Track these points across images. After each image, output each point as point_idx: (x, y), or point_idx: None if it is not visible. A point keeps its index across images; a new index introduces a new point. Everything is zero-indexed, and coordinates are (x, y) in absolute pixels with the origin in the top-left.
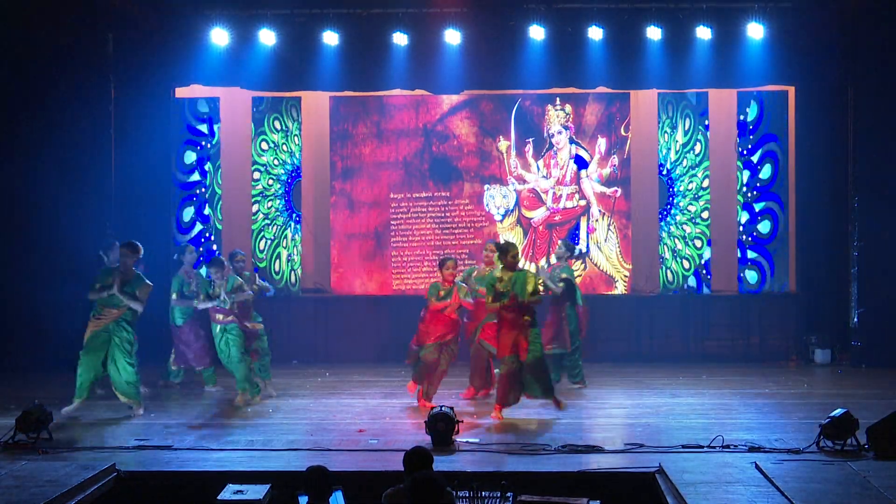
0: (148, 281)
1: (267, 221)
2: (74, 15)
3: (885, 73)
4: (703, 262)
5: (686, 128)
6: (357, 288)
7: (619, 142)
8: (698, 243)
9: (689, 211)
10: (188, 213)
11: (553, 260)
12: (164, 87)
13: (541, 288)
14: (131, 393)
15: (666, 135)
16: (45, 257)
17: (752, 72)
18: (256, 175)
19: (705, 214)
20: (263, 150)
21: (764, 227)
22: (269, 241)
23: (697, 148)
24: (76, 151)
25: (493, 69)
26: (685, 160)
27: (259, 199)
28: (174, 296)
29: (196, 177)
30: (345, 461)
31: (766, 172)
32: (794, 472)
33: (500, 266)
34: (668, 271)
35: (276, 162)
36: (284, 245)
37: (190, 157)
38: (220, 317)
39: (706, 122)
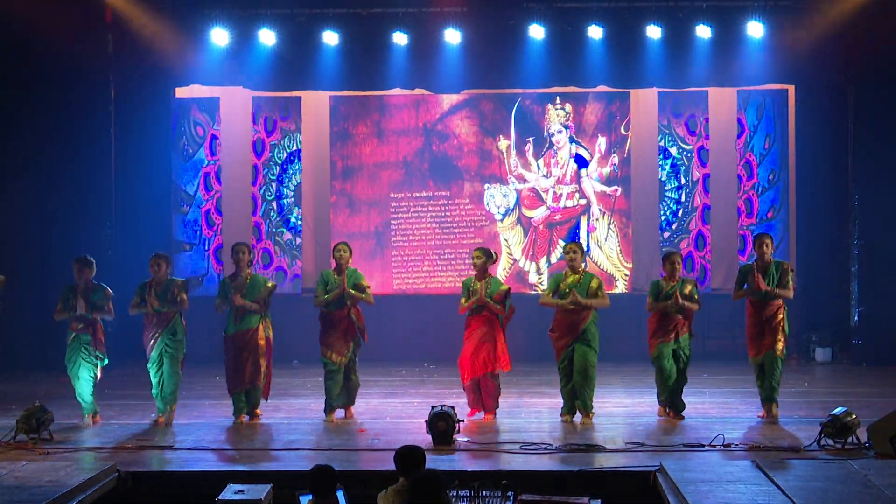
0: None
1: (267, 220)
2: (74, 15)
3: (885, 73)
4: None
5: (686, 126)
6: None
7: (620, 141)
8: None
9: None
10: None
11: None
12: (164, 87)
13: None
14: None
15: (666, 134)
16: (44, 257)
17: (752, 71)
18: (257, 175)
19: (705, 214)
20: (263, 150)
21: (764, 225)
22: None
23: (697, 147)
24: (76, 151)
25: (493, 68)
26: (686, 159)
27: (259, 197)
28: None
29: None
30: (346, 461)
31: (766, 171)
32: (795, 470)
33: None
34: None
35: (276, 161)
36: (284, 245)
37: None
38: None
39: (706, 121)
